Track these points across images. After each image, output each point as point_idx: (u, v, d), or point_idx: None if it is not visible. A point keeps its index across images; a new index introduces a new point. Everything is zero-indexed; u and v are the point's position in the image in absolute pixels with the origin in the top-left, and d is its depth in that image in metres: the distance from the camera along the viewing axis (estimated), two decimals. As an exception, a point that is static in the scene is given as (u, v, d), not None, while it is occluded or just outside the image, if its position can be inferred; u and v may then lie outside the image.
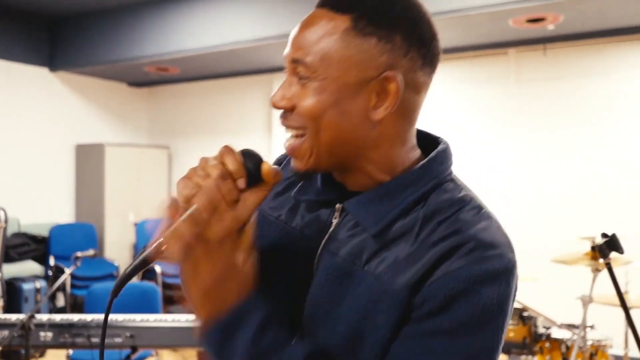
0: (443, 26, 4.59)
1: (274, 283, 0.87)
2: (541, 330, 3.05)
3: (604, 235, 1.39)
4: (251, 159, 0.79)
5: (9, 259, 5.28)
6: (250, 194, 0.78)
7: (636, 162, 4.60)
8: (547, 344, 2.99)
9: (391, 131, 0.83)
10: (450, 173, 0.89)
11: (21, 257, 5.47)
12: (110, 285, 3.79)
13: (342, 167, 0.85)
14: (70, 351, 3.37)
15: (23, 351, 3.59)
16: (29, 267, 5.45)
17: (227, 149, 0.78)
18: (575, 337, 2.93)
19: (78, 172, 6.50)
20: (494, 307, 0.75)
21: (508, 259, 0.78)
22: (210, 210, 0.75)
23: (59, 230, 5.92)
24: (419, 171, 0.84)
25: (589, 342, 2.93)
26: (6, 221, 4.70)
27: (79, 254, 3.12)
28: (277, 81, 6.23)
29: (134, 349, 2.92)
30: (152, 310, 3.54)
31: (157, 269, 5.62)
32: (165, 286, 5.57)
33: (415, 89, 0.83)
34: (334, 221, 0.87)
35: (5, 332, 2.91)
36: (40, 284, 5.19)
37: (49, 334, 2.89)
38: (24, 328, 2.71)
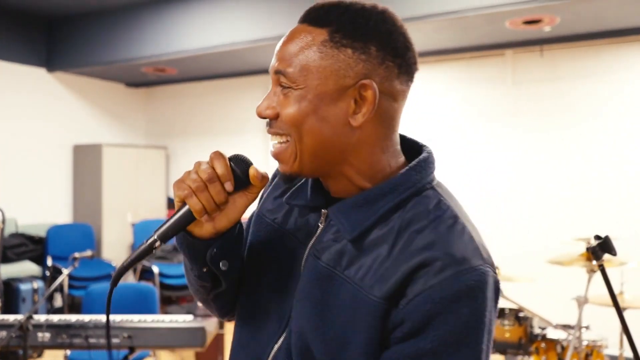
0: (440, 27, 4.65)
1: (264, 277, 0.95)
2: (537, 330, 3.07)
3: (597, 237, 1.40)
4: (239, 164, 0.87)
5: (6, 259, 5.28)
6: (239, 197, 0.88)
7: (632, 163, 4.62)
8: (542, 344, 3.01)
9: (370, 137, 0.87)
10: (431, 181, 0.92)
11: (19, 257, 5.46)
12: (107, 286, 3.79)
13: (325, 171, 0.89)
14: (68, 352, 3.37)
15: (21, 352, 3.60)
16: (27, 267, 5.45)
17: (217, 154, 0.86)
18: (570, 337, 2.95)
19: (75, 173, 6.50)
20: (472, 322, 0.78)
21: (480, 272, 0.80)
22: (200, 210, 0.84)
23: (56, 230, 5.92)
24: (398, 179, 0.87)
25: (585, 343, 2.95)
26: (4, 222, 4.70)
27: (76, 254, 3.12)
28: (275, 82, 6.24)
29: (132, 350, 2.93)
30: (149, 310, 3.55)
31: (155, 269, 5.63)
32: (163, 287, 5.58)
33: (392, 97, 0.88)
34: (320, 226, 0.91)
35: (3, 333, 2.91)
36: (37, 284, 5.19)
37: (47, 335, 2.90)
38: (22, 329, 2.72)
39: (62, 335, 2.90)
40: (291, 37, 0.87)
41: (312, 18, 0.87)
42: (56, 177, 6.37)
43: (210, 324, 2.99)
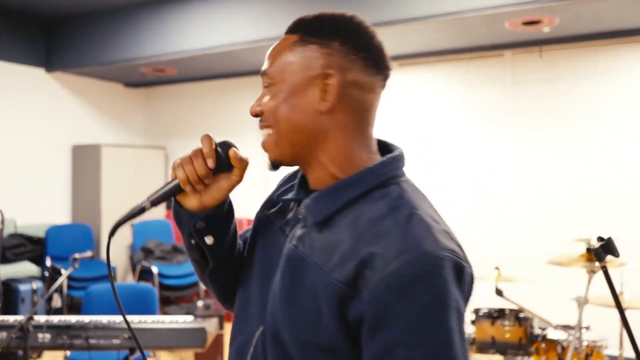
0: (440, 28, 4.65)
1: (254, 269, 1.05)
2: (537, 331, 3.07)
3: (600, 239, 1.40)
4: (223, 146, 1.01)
5: (5, 260, 5.27)
6: (223, 178, 1.00)
7: (631, 164, 4.63)
8: (543, 345, 3.01)
9: (341, 123, 0.95)
10: (397, 176, 0.98)
11: (17, 258, 5.46)
12: (107, 286, 3.79)
13: (303, 157, 0.99)
14: (68, 352, 3.37)
15: (20, 352, 3.60)
16: (26, 268, 5.44)
17: (205, 137, 1.02)
18: (570, 337, 2.95)
19: (74, 173, 6.49)
20: (434, 306, 0.82)
21: (435, 257, 0.84)
22: (184, 180, 0.97)
23: (55, 231, 5.91)
24: (366, 172, 0.95)
25: (585, 343, 2.96)
26: (3, 222, 4.68)
27: (76, 255, 3.12)
28: (274, 82, 6.24)
29: (132, 351, 2.92)
30: (149, 311, 3.55)
31: (154, 269, 5.62)
32: (162, 287, 5.58)
33: (362, 88, 0.96)
34: (300, 217, 0.99)
35: (4, 334, 2.91)
36: (36, 285, 5.18)
37: (47, 336, 2.89)
38: (23, 329, 2.71)
39: (63, 336, 2.90)
40: (274, 45, 1.02)
41: (290, 28, 1.01)
42: (55, 177, 6.36)
43: (211, 325, 2.99)
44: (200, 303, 5.10)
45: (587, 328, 3.09)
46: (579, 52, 4.88)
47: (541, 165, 4.98)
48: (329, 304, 0.86)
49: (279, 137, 0.98)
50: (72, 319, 2.95)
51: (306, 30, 0.97)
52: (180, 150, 7.13)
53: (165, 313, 5.29)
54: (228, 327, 3.93)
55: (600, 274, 2.74)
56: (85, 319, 2.96)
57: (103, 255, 6.19)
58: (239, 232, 1.15)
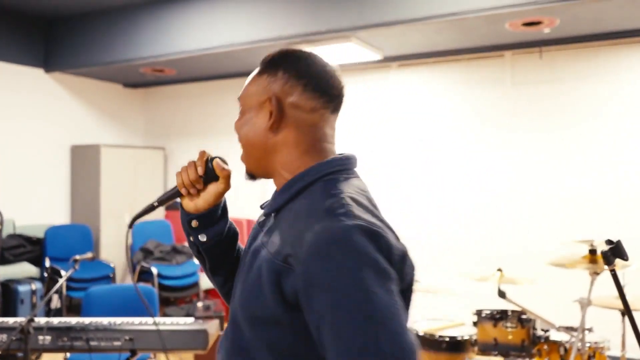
0: (440, 29, 4.65)
1: (240, 265, 1.20)
2: (539, 332, 3.07)
3: (609, 242, 1.40)
4: (212, 159, 1.21)
5: (4, 260, 5.25)
6: (212, 186, 1.20)
7: (632, 165, 4.63)
8: (545, 347, 3.01)
9: (287, 138, 1.12)
10: (332, 172, 1.11)
11: (16, 258, 5.43)
12: (107, 287, 3.78)
13: (265, 168, 1.17)
14: (68, 355, 3.35)
15: (19, 354, 3.58)
16: (25, 269, 5.42)
17: (200, 152, 1.22)
18: (573, 339, 2.95)
19: (73, 173, 6.47)
20: (351, 265, 0.91)
21: (345, 225, 0.95)
22: (180, 184, 1.20)
23: (54, 231, 5.89)
24: (307, 171, 1.11)
25: (587, 345, 2.95)
26: (1, 222, 4.67)
27: (77, 256, 3.10)
28: (274, 83, 6.23)
29: (133, 353, 2.91)
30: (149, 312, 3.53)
31: (154, 270, 5.61)
32: (161, 288, 5.56)
33: (304, 109, 1.12)
34: (265, 214, 1.18)
35: (4, 336, 2.89)
36: (35, 285, 5.16)
37: (48, 338, 2.87)
38: (23, 331, 2.69)
39: (63, 338, 2.88)
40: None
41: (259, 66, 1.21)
42: (54, 177, 6.34)
43: (212, 326, 2.97)
44: (200, 304, 5.10)
45: (590, 330, 3.09)
46: (579, 52, 4.88)
47: (541, 167, 4.98)
48: (269, 279, 1.00)
49: (244, 152, 1.19)
50: (73, 320, 2.93)
51: (264, 64, 1.17)
52: (179, 150, 7.12)
53: (164, 314, 5.27)
54: (229, 329, 3.92)
55: (602, 276, 2.74)
56: (86, 320, 2.94)
57: (102, 255, 6.18)
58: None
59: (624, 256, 1.35)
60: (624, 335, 3.25)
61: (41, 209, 6.18)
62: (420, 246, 5.49)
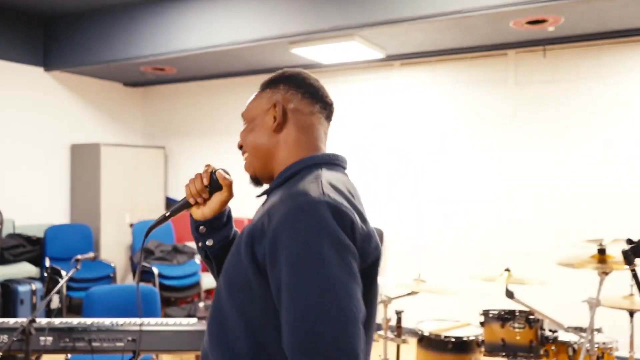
0: (444, 27, 4.60)
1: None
2: (547, 333, 3.04)
3: (630, 241, 1.37)
4: (216, 170, 1.36)
5: (3, 260, 5.21)
6: (217, 195, 1.36)
7: (638, 164, 4.60)
8: (553, 347, 2.98)
9: (290, 138, 1.28)
10: (318, 164, 1.24)
11: (16, 258, 5.39)
12: (108, 287, 3.74)
13: (270, 171, 1.30)
14: (69, 355, 3.31)
15: (20, 355, 3.53)
16: (24, 268, 5.38)
17: (206, 166, 1.37)
18: (582, 340, 2.92)
19: (73, 173, 6.43)
20: (312, 233, 1.03)
21: (313, 199, 1.07)
22: (188, 194, 1.36)
23: (54, 231, 5.85)
24: (295, 163, 1.25)
25: (595, 345, 2.92)
26: (1, 222, 4.64)
27: (79, 256, 3.06)
28: (275, 81, 6.19)
29: (136, 353, 2.87)
30: (151, 312, 3.50)
31: (155, 270, 5.57)
32: (162, 288, 5.52)
33: (303, 112, 1.30)
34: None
35: (4, 337, 2.86)
36: (35, 285, 5.11)
37: (49, 339, 2.83)
38: (24, 332, 2.66)
39: (65, 338, 2.84)
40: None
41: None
42: (54, 177, 6.30)
43: (215, 327, 2.93)
44: (201, 304, 5.06)
45: (599, 330, 3.05)
46: (584, 51, 4.85)
47: (546, 166, 4.95)
48: (246, 243, 1.12)
49: (250, 157, 1.32)
50: (74, 321, 2.89)
51: (265, 84, 1.36)
52: (179, 150, 7.09)
53: (166, 314, 5.23)
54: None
55: (611, 276, 2.71)
56: (88, 321, 2.90)
57: (102, 255, 6.13)
58: None
59: (645, 256, 1.32)
60: (632, 336, 3.23)
61: (41, 209, 6.14)
62: (426, 246, 5.46)
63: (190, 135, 7.02)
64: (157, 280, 5.51)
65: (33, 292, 5.07)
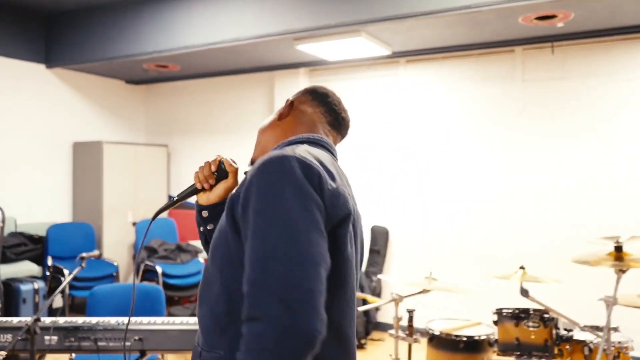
0: (452, 23, 4.54)
1: None
2: (562, 332, 2.98)
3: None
4: (224, 160, 1.45)
5: (5, 259, 5.15)
6: (222, 182, 1.45)
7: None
8: (567, 347, 2.92)
9: (288, 127, 1.42)
10: (302, 142, 1.34)
11: (18, 257, 5.33)
12: (112, 286, 3.68)
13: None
14: (73, 355, 3.25)
15: (23, 355, 3.47)
16: (27, 267, 5.32)
17: (217, 156, 1.47)
18: (597, 339, 2.86)
19: (75, 171, 6.37)
20: (278, 180, 1.11)
21: (283, 155, 1.14)
22: (196, 180, 1.46)
23: (56, 229, 5.79)
24: (282, 142, 1.37)
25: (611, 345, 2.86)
26: (3, 221, 4.58)
27: (84, 254, 3.00)
28: (278, 79, 6.15)
29: (143, 353, 2.82)
30: (156, 311, 3.45)
31: (158, 269, 5.51)
32: (166, 287, 5.46)
33: (307, 112, 1.45)
34: None
35: (8, 336, 2.80)
36: (38, 284, 5.06)
37: (54, 338, 2.79)
38: (29, 332, 2.60)
39: (70, 338, 2.80)
40: None
41: None
42: (56, 175, 6.24)
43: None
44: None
45: (616, 329, 3.00)
46: (592, 48, 4.80)
47: (557, 164, 4.90)
48: (228, 208, 1.19)
49: (256, 143, 1.46)
50: (79, 320, 2.84)
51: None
52: (182, 148, 7.02)
53: (169, 313, 5.17)
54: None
55: (628, 274, 2.65)
56: (93, 320, 2.85)
57: (105, 254, 6.07)
58: None
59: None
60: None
61: (43, 207, 6.08)
62: (436, 245, 5.41)
63: (193, 133, 6.95)
64: (160, 279, 5.45)
65: (35, 291, 5.01)
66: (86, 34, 5.82)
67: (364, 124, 5.80)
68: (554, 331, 2.92)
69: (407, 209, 5.56)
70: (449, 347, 3.18)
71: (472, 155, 5.28)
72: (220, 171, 1.43)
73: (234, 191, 1.24)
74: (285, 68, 6.06)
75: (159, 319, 2.87)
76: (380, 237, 5.58)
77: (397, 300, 3.15)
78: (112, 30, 5.65)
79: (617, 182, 4.65)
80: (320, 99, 1.47)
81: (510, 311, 3.03)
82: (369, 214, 5.72)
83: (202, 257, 5.98)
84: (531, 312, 2.97)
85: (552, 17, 4.25)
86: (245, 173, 1.26)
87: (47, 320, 2.80)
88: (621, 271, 2.60)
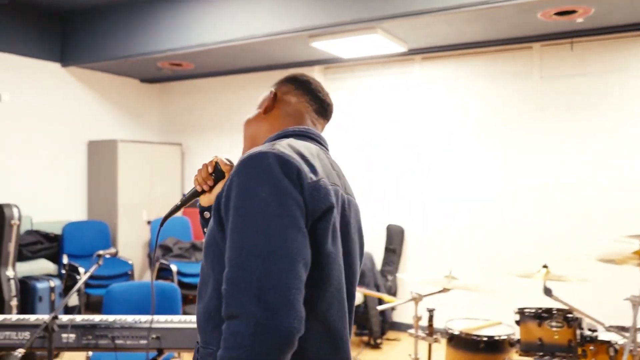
0: (470, 19, 4.47)
1: None
2: (587, 332, 2.92)
3: None
4: (219, 161, 1.45)
5: (22, 257, 5.16)
6: (221, 182, 1.44)
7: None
8: (591, 347, 2.86)
9: (275, 120, 1.42)
10: (287, 135, 1.35)
11: (34, 255, 5.34)
12: (128, 284, 3.67)
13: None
14: (90, 353, 3.24)
15: (38, 353, 3.47)
16: (42, 265, 5.33)
17: (214, 157, 1.46)
18: (623, 340, 2.80)
19: (90, 169, 6.38)
20: (255, 178, 1.12)
21: (260, 152, 1.15)
22: (195, 182, 1.46)
23: (71, 228, 5.80)
24: (269, 137, 1.38)
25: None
26: (19, 219, 4.59)
27: (101, 252, 2.99)
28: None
29: (160, 352, 2.80)
30: (172, 310, 3.44)
31: (173, 267, 5.50)
32: (180, 285, 5.45)
33: (292, 102, 1.45)
34: None
35: (26, 334, 2.80)
36: (54, 282, 5.06)
37: (72, 336, 2.78)
38: (47, 329, 2.59)
39: (88, 336, 2.78)
40: None
41: None
42: (71, 173, 6.26)
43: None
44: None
45: (642, 329, 2.93)
46: (613, 44, 4.72)
47: (579, 161, 4.83)
48: (214, 207, 1.20)
49: (244, 138, 1.47)
50: (96, 318, 2.83)
51: (274, 84, 1.53)
52: (196, 146, 7.02)
53: (184, 312, 5.16)
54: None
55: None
56: (110, 318, 2.83)
57: (119, 253, 6.08)
58: None
59: None
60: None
61: (58, 205, 6.09)
62: (457, 242, 5.36)
63: (207, 131, 6.94)
64: (175, 277, 5.44)
65: (51, 289, 5.02)
66: (101, 32, 5.83)
67: (378, 122, 5.75)
68: (578, 331, 2.86)
69: (423, 207, 5.51)
70: (469, 347, 3.13)
71: (490, 153, 5.21)
72: (217, 172, 1.45)
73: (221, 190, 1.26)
74: (299, 66, 6.03)
75: (176, 317, 2.86)
76: (396, 235, 5.53)
77: (417, 300, 3.11)
78: (126, 29, 5.65)
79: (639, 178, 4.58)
80: (304, 87, 1.46)
81: (533, 311, 2.97)
82: (385, 212, 5.68)
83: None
84: (554, 312, 2.91)
85: (572, 12, 4.18)
86: None
87: (64, 318, 2.79)
88: (648, 270, 2.53)
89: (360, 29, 4.59)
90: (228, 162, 1.46)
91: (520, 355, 3.05)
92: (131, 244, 6.23)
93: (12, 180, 5.60)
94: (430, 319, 3.12)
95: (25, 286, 4.89)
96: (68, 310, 5.42)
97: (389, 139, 5.70)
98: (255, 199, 1.09)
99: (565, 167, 4.87)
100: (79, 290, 5.17)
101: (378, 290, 5.19)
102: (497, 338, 3.12)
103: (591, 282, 3.14)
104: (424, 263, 5.49)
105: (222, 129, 6.82)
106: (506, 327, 3.29)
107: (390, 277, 5.43)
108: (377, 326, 5.05)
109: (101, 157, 6.28)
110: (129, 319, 2.84)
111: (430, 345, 3.15)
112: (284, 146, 1.19)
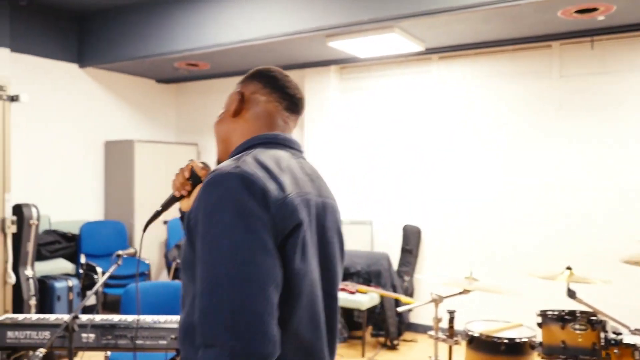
0: (488, 17, 4.42)
1: None
2: (611, 335, 2.87)
3: None
4: (194, 166, 1.45)
5: (40, 257, 5.20)
6: (199, 187, 1.33)
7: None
8: (615, 350, 2.81)
9: (245, 123, 1.37)
10: (255, 145, 1.31)
11: (52, 255, 5.38)
12: (146, 284, 3.68)
13: (227, 154, 1.36)
14: (109, 353, 3.25)
15: (57, 352, 3.47)
16: (60, 265, 5.36)
17: (190, 161, 1.46)
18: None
19: (107, 169, 6.41)
20: (218, 203, 1.10)
21: (223, 173, 1.13)
22: (173, 186, 1.47)
23: (89, 227, 5.83)
24: (238, 147, 1.34)
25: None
26: (38, 219, 4.61)
27: (120, 252, 3.00)
28: (309, 77, 6.10)
29: (179, 352, 2.79)
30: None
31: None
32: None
33: (260, 101, 1.39)
34: None
35: (46, 333, 2.81)
36: (72, 282, 5.09)
37: (91, 336, 2.79)
38: (68, 329, 2.60)
39: (107, 336, 2.79)
40: None
41: None
42: (88, 173, 6.29)
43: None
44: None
45: (669, 333, 2.88)
46: (634, 42, 4.64)
47: (600, 162, 4.76)
48: (185, 228, 1.23)
49: (216, 142, 1.42)
50: (115, 318, 2.84)
51: (239, 81, 1.46)
52: (212, 146, 7.03)
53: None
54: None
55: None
56: (129, 318, 2.84)
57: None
58: None
59: None
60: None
61: (76, 205, 6.13)
62: (475, 243, 5.31)
63: (223, 131, 6.95)
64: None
65: (69, 289, 5.05)
66: (118, 33, 5.86)
67: (393, 122, 5.72)
68: (602, 334, 2.81)
69: (441, 207, 5.47)
70: (489, 350, 3.09)
71: (508, 152, 5.16)
72: (194, 177, 1.44)
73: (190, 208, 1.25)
74: (315, 66, 6.02)
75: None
76: (413, 236, 5.49)
77: (437, 301, 3.08)
78: (143, 29, 5.67)
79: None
80: (272, 84, 1.40)
81: (556, 313, 2.93)
82: (402, 212, 5.64)
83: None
84: (578, 315, 2.87)
85: (593, 10, 4.12)
86: None
87: (83, 317, 2.80)
88: (675, 272, 2.48)
89: (378, 28, 4.56)
90: (204, 166, 1.45)
91: (542, 358, 3.00)
92: (148, 243, 6.25)
93: (31, 180, 5.64)
94: (451, 320, 3.09)
95: (44, 285, 4.92)
96: (85, 309, 5.45)
97: (405, 139, 5.66)
98: (220, 225, 1.08)
99: (592, 167, 4.81)
100: (96, 290, 5.19)
101: (395, 290, 5.16)
102: (518, 340, 3.08)
103: (616, 284, 3.09)
104: (441, 264, 5.44)
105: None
106: (527, 330, 3.25)
107: (406, 278, 5.40)
108: (393, 327, 5.01)
109: (118, 157, 6.31)
110: (148, 319, 2.84)
111: (450, 347, 3.12)
112: (250, 162, 1.17)
